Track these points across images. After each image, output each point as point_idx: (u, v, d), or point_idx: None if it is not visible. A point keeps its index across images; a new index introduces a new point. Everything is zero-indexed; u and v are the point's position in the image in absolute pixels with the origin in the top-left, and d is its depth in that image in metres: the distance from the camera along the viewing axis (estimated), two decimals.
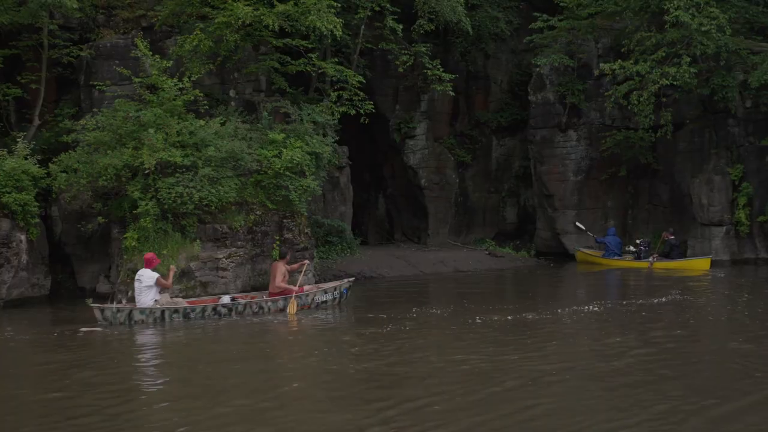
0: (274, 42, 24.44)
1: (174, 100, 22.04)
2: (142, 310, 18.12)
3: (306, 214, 23.45)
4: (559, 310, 18.60)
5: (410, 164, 33.67)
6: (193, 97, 22.45)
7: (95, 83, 23.50)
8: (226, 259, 21.49)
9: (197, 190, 21.10)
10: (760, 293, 21.78)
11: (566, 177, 32.24)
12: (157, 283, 18.59)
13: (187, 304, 18.81)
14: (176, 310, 18.40)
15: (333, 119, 25.00)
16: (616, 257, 30.30)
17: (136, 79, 22.43)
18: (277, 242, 22.85)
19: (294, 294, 19.74)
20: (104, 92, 23.83)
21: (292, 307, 19.37)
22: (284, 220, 23.24)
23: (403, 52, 28.18)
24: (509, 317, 17.70)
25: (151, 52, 22.48)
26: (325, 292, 20.43)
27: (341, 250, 27.65)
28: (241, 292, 21.56)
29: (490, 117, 35.32)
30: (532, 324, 16.95)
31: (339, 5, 24.13)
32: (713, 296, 21.70)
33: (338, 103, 25.87)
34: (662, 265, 29.14)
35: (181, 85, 22.03)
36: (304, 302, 19.96)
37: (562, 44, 31.78)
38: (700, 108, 30.01)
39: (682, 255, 29.73)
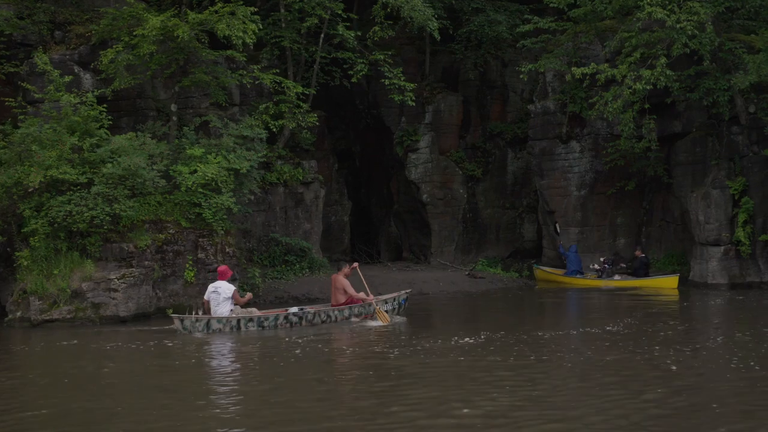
0: (205, 54, 23.52)
1: (79, 116, 21.49)
2: (219, 320, 18.73)
3: (223, 232, 22.27)
4: (418, 346, 16.74)
5: (411, 179, 32.09)
6: (98, 112, 21.80)
7: (5, 99, 23.22)
8: (118, 279, 20.68)
9: (89, 209, 20.43)
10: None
11: (569, 192, 29.82)
12: (233, 296, 19.05)
13: (260, 314, 19.31)
14: (251, 319, 18.94)
15: (261, 134, 23.80)
16: (578, 275, 27.93)
17: (38, 95, 22.05)
18: (190, 262, 22.00)
19: (377, 306, 20.08)
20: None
21: (383, 317, 19.79)
22: (200, 239, 22.30)
23: (359, 60, 26.64)
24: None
25: (51, 68, 22.03)
26: (386, 302, 20.60)
27: (299, 270, 26.41)
28: (137, 314, 20.80)
29: (504, 128, 33.21)
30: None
31: (255, 9, 22.91)
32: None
33: (276, 116, 24.75)
34: (625, 283, 27.13)
35: (78, 101, 21.46)
36: (367, 311, 20.24)
37: (566, 48, 29.42)
38: (705, 115, 27.00)
39: (648, 274, 27.61)
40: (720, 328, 18.57)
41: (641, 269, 27.63)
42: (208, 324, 18.63)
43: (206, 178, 21.75)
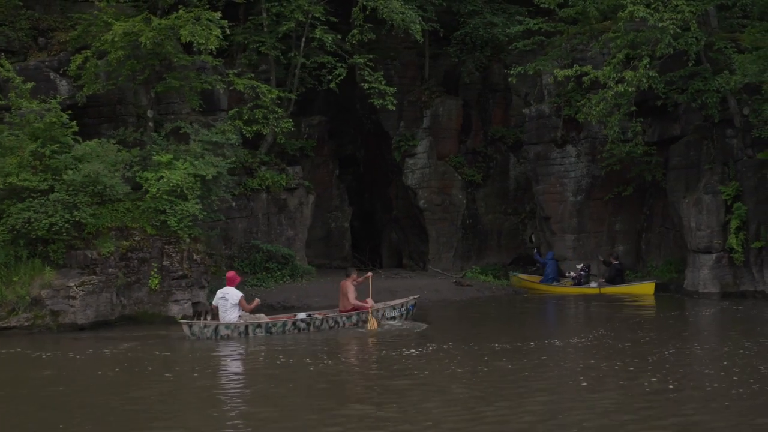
0: (176, 60, 23.26)
1: (42, 123, 21.37)
2: (228, 325, 18.88)
3: (189, 239, 21.94)
4: (355, 358, 16.25)
5: (408, 184, 31.52)
6: (63, 118, 21.64)
7: None
8: (76, 287, 20.47)
9: (48, 216, 20.29)
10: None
11: (564, 197, 29.00)
12: (240, 302, 19.11)
13: (268, 320, 19.42)
14: (259, 325, 19.06)
15: (230, 139, 23.43)
16: (554, 283, 27.48)
17: (2, 102, 22.01)
18: (155, 269, 21.75)
19: (370, 310, 20.20)
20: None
21: (372, 323, 19.86)
22: (166, 246, 22.04)
23: (338, 65, 26.15)
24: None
25: (14, 74, 21.97)
26: (394, 308, 20.99)
27: (280, 278, 26.02)
28: (96, 322, 20.61)
29: (506, 132, 32.45)
30: None
31: (220, 15, 22.56)
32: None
33: (249, 121, 24.41)
34: (602, 290, 26.60)
35: (39, 107, 21.35)
36: (375, 317, 20.27)
37: (564, 50, 28.59)
38: (701, 118, 25.95)
39: (624, 281, 27.05)
40: (682, 341, 17.63)
41: (617, 277, 26.87)
42: (216, 330, 18.72)
43: (171, 184, 21.47)
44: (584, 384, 12.58)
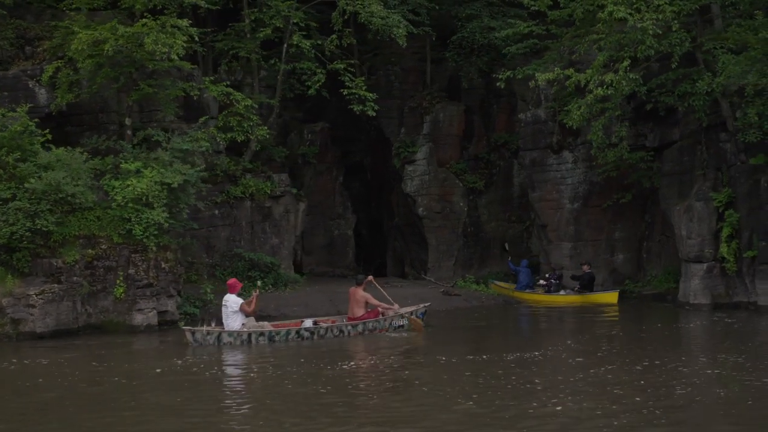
0: (152, 65, 23.11)
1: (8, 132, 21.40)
2: (230, 333, 18.94)
3: (156, 247, 21.72)
4: (283, 369, 15.80)
5: (407, 191, 30.97)
6: (31, 127, 21.62)
7: None
8: (36, 295, 20.40)
9: (9, 224, 20.28)
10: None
11: (561, 204, 28.16)
12: (241, 308, 19.11)
13: (272, 328, 19.40)
14: (262, 333, 19.06)
15: (202, 147, 23.15)
16: (528, 290, 27.12)
17: None
18: (120, 278, 21.61)
19: (407, 314, 20.65)
20: None
21: (416, 324, 20.36)
22: (133, 255, 21.88)
23: (318, 70, 25.72)
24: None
25: None
26: (402, 317, 20.77)
27: (262, 286, 25.60)
28: (57, 330, 20.52)
29: (509, 138, 31.66)
30: None
31: (191, 21, 22.34)
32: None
33: (224, 129, 24.15)
34: (568, 298, 26.28)
35: (10, 116, 21.39)
36: (382, 326, 20.44)
37: (561, 54, 27.75)
38: (696, 122, 24.88)
39: (590, 289, 26.48)
40: (633, 357, 16.51)
41: (589, 285, 26.32)
42: (218, 337, 18.76)
43: (136, 192, 21.32)
44: (471, 403, 11.93)
